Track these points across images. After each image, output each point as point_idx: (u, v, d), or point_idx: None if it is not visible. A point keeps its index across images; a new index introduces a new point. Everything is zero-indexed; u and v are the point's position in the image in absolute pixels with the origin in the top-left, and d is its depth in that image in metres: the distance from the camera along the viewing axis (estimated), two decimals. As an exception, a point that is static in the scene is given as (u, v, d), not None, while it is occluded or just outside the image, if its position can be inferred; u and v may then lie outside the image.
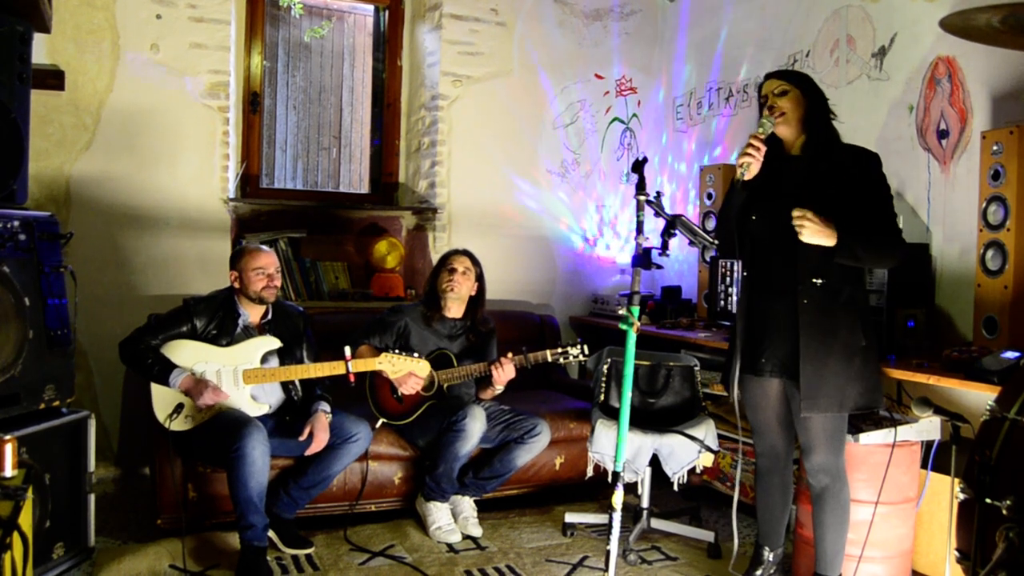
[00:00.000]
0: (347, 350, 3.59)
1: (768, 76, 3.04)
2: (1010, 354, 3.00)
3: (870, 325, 2.98)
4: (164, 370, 3.41)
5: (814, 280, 2.87)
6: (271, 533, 3.44)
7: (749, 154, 2.89)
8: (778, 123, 2.95)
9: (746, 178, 2.93)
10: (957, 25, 1.86)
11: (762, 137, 2.91)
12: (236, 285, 3.60)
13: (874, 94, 4.07)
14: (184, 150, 4.55)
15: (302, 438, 3.47)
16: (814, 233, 2.77)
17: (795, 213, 2.79)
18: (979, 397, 3.12)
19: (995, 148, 3.33)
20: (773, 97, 2.97)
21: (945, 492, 3.19)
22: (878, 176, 2.93)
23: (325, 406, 3.60)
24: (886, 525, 3.16)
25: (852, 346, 2.89)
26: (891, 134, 3.99)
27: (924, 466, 3.33)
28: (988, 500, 2.18)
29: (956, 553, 2.38)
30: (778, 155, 3.00)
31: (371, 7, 5.37)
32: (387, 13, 5.34)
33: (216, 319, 3.57)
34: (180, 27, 4.49)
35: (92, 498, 3.23)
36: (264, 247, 3.70)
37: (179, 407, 3.42)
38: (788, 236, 2.85)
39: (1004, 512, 2.11)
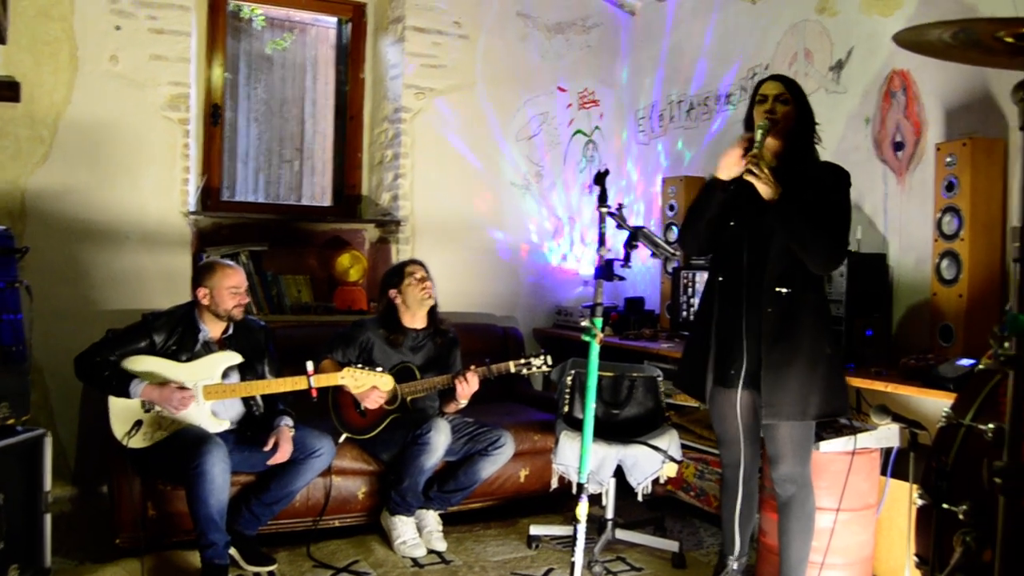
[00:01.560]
0: (309, 365, 3.56)
1: (772, 77, 3.00)
2: (965, 361, 3.06)
3: (832, 333, 2.99)
4: (122, 382, 3.36)
5: (778, 289, 2.88)
6: (233, 550, 3.39)
7: (751, 161, 2.80)
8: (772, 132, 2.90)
9: (724, 178, 2.88)
10: (910, 40, 1.89)
11: (759, 137, 2.83)
12: (205, 302, 3.55)
13: (832, 107, 4.14)
14: (144, 163, 4.49)
15: (266, 448, 3.44)
16: (762, 179, 2.76)
17: (749, 160, 2.77)
18: (936, 404, 3.16)
19: (949, 160, 3.39)
20: (774, 101, 2.92)
21: (904, 498, 3.23)
22: (839, 191, 2.92)
23: (288, 420, 3.57)
24: (847, 532, 3.20)
25: (816, 354, 2.89)
26: (848, 146, 4.06)
27: (884, 473, 3.37)
28: (945, 506, 2.22)
29: (915, 558, 2.41)
30: None
31: (333, 19, 5.35)
32: (350, 25, 5.33)
33: (176, 334, 3.52)
34: (140, 39, 4.45)
35: (48, 518, 3.16)
36: (234, 264, 3.66)
37: (138, 424, 3.37)
38: (761, 246, 2.88)
39: (961, 517, 2.14)
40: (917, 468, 2.70)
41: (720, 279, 3.04)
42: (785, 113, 2.92)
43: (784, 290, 2.88)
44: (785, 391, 2.87)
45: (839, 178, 2.94)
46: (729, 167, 2.87)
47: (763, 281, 2.89)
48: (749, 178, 2.79)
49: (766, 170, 2.78)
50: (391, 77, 5.21)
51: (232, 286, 3.54)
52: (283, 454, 3.45)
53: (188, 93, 4.59)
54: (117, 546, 3.46)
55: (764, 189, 2.80)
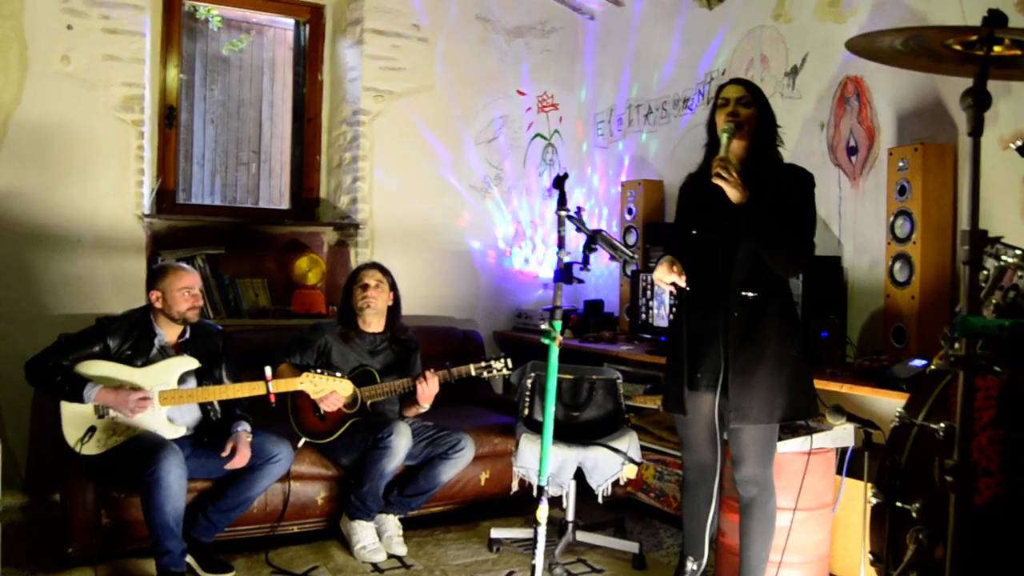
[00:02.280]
0: (267, 370, 3.52)
1: (733, 80, 3.02)
2: (918, 362, 3.11)
3: (800, 335, 2.98)
4: (76, 387, 3.30)
5: (744, 293, 2.88)
6: (189, 558, 3.34)
7: (724, 170, 2.79)
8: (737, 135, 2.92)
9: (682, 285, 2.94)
10: (863, 46, 1.93)
11: (727, 142, 2.85)
12: (158, 305, 3.49)
13: (787, 111, 4.19)
14: (97, 165, 4.42)
15: (224, 454, 3.39)
16: (731, 183, 2.77)
17: (718, 164, 2.78)
18: (889, 404, 3.22)
19: (901, 164, 3.46)
20: (736, 104, 2.93)
21: (859, 497, 3.28)
22: (805, 193, 2.94)
23: (246, 426, 3.53)
24: (804, 531, 3.24)
25: (782, 357, 2.89)
26: (803, 150, 4.11)
27: (839, 472, 3.42)
28: (899, 504, 2.25)
29: (870, 556, 2.44)
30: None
31: (291, 21, 5.31)
32: (307, 27, 5.29)
33: (130, 339, 3.46)
34: (92, 38, 4.37)
35: (-2, 527, 3.11)
36: (187, 266, 3.62)
37: (91, 430, 3.31)
38: (725, 251, 2.88)
39: (914, 515, 2.17)
40: (871, 467, 2.74)
41: (687, 286, 3.05)
42: (748, 116, 2.93)
43: (750, 294, 2.88)
44: (752, 394, 2.87)
45: (803, 181, 2.96)
46: (662, 279, 2.93)
47: (729, 285, 2.91)
48: (718, 182, 2.80)
49: (735, 174, 2.79)
50: (350, 79, 5.18)
51: (184, 287, 3.49)
52: (241, 459, 3.41)
53: (142, 94, 4.52)
54: (70, 555, 3.39)
55: (732, 193, 2.80)
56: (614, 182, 5.50)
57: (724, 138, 2.87)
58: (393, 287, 4.05)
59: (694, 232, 3.01)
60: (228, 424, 3.53)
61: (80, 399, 3.29)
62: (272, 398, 3.51)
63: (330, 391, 3.64)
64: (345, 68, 5.21)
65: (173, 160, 4.89)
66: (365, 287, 3.96)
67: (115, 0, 4.42)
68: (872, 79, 3.84)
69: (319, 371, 3.61)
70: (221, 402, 3.59)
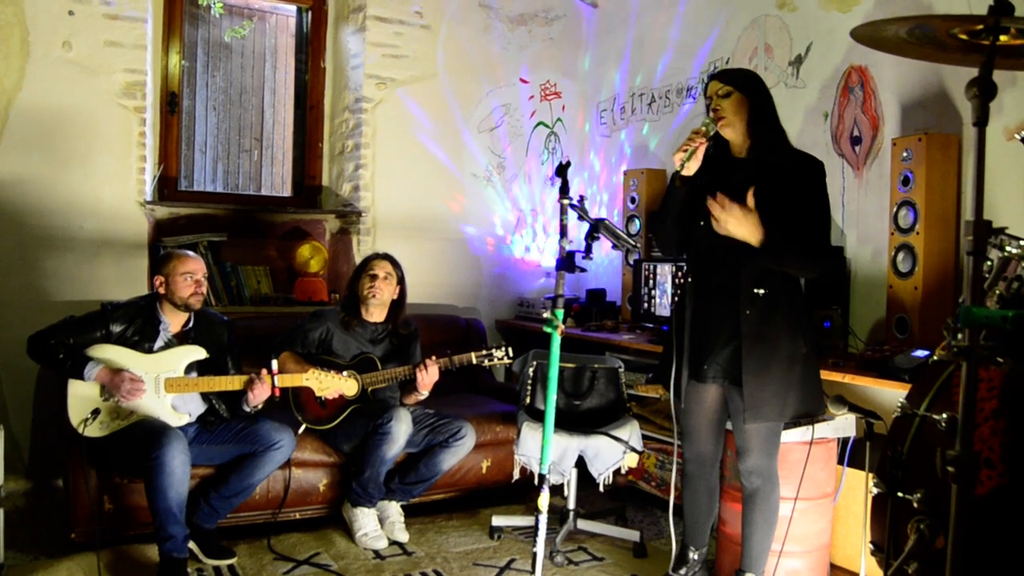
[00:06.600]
0: (274, 364, 3.52)
1: (712, 77, 2.96)
2: (920, 352, 3.11)
3: (810, 332, 2.96)
4: (78, 363, 3.30)
5: (756, 290, 2.84)
6: (191, 544, 3.35)
7: (685, 149, 2.81)
8: (721, 126, 2.88)
9: (684, 173, 2.86)
10: (867, 35, 1.92)
11: (703, 131, 2.84)
12: (161, 290, 3.49)
13: (791, 101, 4.18)
14: (98, 152, 4.41)
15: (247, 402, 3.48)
16: (737, 225, 2.75)
17: (715, 207, 2.75)
18: (891, 394, 3.22)
19: (905, 155, 3.45)
20: (717, 99, 2.89)
21: (860, 487, 3.28)
22: (818, 185, 2.88)
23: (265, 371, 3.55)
24: (805, 520, 3.24)
25: (793, 354, 2.87)
26: (807, 140, 4.10)
27: (841, 462, 3.42)
28: (900, 494, 2.25)
29: (871, 545, 2.45)
30: (725, 158, 2.97)
31: (293, 7, 5.29)
32: (310, 14, 5.27)
33: (135, 325, 3.46)
34: (94, 24, 4.36)
35: (1, 512, 3.11)
36: (192, 253, 3.61)
37: (95, 412, 3.31)
38: (732, 242, 2.82)
39: (915, 505, 2.17)
40: (873, 457, 2.74)
41: (690, 278, 3.04)
42: (727, 106, 2.88)
43: (761, 291, 2.84)
44: (766, 392, 2.85)
45: (814, 172, 2.88)
46: (688, 159, 2.85)
47: (739, 282, 2.86)
48: (733, 232, 2.78)
49: (740, 212, 2.75)
50: (352, 67, 5.16)
51: (187, 271, 3.47)
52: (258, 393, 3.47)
53: (144, 81, 4.51)
54: (72, 541, 3.41)
55: (742, 232, 2.78)
56: (616, 171, 5.49)
57: (702, 128, 2.86)
58: (401, 281, 4.03)
59: (701, 223, 2.94)
60: (232, 413, 3.57)
61: (81, 376, 3.30)
62: (276, 392, 3.51)
63: (334, 390, 3.63)
64: (347, 55, 5.20)
65: (175, 147, 4.88)
66: (374, 277, 3.94)
67: (117, -14, 4.41)
68: (876, 69, 3.82)
69: (326, 368, 3.60)
70: (227, 398, 3.59)
